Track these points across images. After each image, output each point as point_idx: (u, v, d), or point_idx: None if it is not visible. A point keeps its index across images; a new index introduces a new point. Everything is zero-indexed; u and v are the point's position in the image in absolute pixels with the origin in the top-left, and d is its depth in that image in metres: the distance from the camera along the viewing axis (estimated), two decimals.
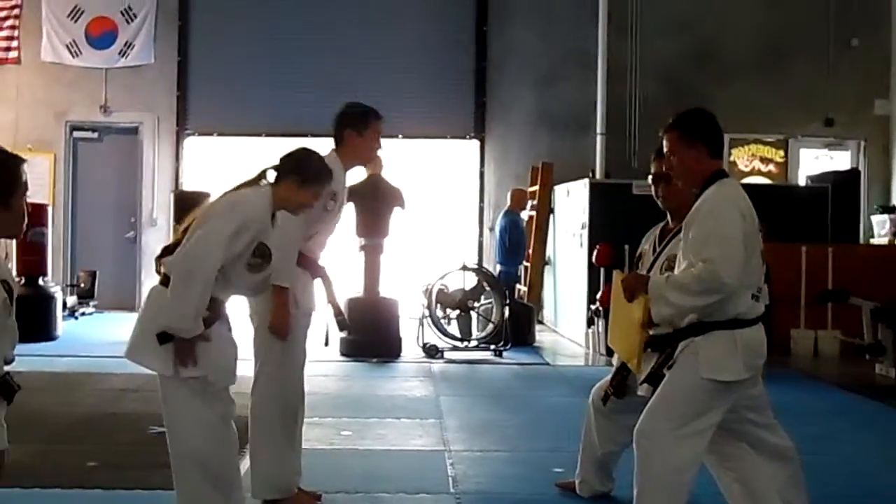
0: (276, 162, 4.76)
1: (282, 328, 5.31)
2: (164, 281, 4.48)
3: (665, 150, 4.67)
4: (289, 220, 4.94)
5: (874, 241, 15.29)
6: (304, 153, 4.84)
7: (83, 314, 14.97)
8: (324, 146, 5.27)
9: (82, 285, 15.59)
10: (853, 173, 15.61)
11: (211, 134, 16.53)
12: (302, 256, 5.39)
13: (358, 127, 5.66)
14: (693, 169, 4.56)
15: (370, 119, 5.72)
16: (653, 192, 5.42)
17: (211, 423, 4.52)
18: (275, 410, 5.44)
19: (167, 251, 4.58)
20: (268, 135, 16.19)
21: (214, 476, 4.54)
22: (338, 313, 5.73)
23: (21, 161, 3.49)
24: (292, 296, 5.34)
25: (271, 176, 4.72)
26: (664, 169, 4.83)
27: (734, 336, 4.36)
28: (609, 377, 5.45)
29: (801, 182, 16.16)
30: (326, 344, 5.77)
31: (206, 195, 13.65)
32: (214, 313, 4.51)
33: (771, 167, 17.01)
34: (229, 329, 4.66)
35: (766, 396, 4.80)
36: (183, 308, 4.33)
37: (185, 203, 13.71)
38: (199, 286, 4.33)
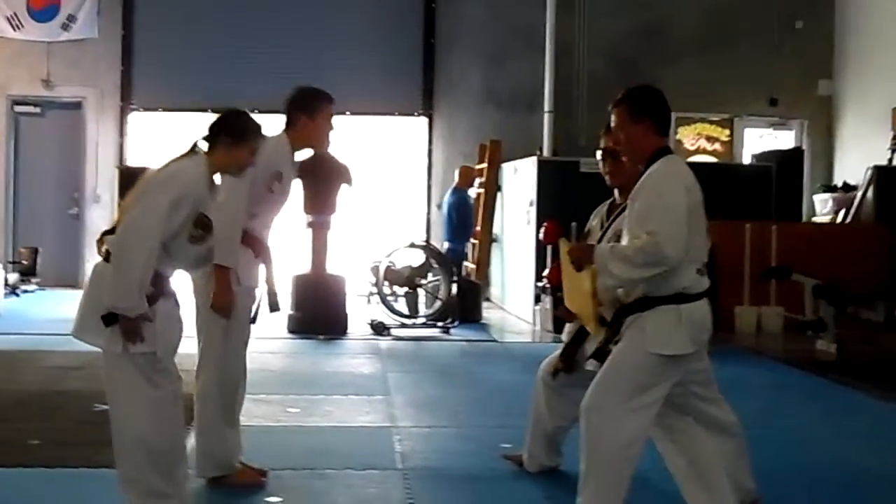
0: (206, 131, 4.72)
1: (225, 307, 5.28)
2: (108, 258, 4.44)
3: (612, 125, 4.69)
4: (232, 197, 4.91)
5: (816, 219, 15.48)
6: (230, 113, 4.83)
7: (25, 292, 14.78)
8: (270, 123, 5.23)
9: (24, 262, 15.39)
10: (797, 152, 15.80)
11: (156, 109, 16.36)
12: (246, 234, 5.35)
13: (309, 110, 5.63)
14: (639, 145, 4.58)
15: (322, 103, 5.68)
16: (601, 169, 5.45)
17: (156, 401, 4.48)
18: (218, 388, 5.42)
19: (110, 232, 4.54)
20: (213, 111, 15.75)
21: (158, 455, 4.50)
22: (272, 294, 5.68)
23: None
24: (234, 274, 5.30)
25: (204, 146, 4.68)
26: (611, 144, 4.84)
27: (679, 311, 4.39)
28: (558, 352, 5.47)
29: (746, 161, 16.32)
30: (253, 321, 5.72)
31: (150, 170, 13.60)
32: (159, 289, 4.47)
33: (716, 146, 17.16)
34: (176, 304, 4.62)
35: (712, 371, 4.85)
36: (125, 285, 4.29)
37: (130, 179, 13.42)
38: (140, 262, 4.29)
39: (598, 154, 5.44)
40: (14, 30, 15.90)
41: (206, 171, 4.60)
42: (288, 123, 5.63)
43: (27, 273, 15.23)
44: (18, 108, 16.31)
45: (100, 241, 4.60)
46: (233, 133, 4.70)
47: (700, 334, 4.49)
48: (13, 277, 14.65)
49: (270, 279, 5.67)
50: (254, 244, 5.47)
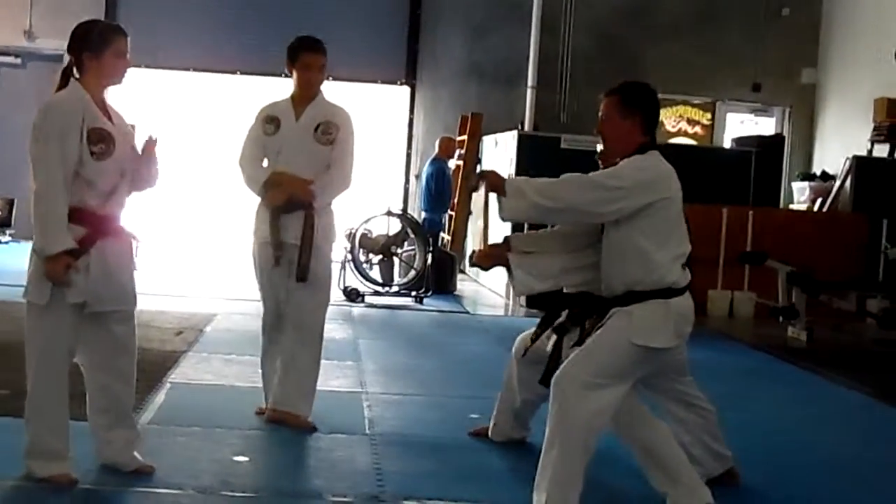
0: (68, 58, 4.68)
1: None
2: None
3: (601, 114, 4.66)
4: None
5: (793, 206, 15.53)
6: (78, 27, 4.73)
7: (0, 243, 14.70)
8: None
9: None
10: (778, 139, 15.83)
11: (139, 66, 16.12)
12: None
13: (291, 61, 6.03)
14: (624, 139, 4.57)
15: (300, 53, 6.03)
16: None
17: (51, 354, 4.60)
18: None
19: None
20: (196, 70, 15.99)
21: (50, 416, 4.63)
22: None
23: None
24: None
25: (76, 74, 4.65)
26: (595, 131, 4.80)
27: (668, 305, 4.41)
28: (531, 331, 5.46)
29: (726, 145, 16.35)
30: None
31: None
32: (93, 230, 4.53)
33: (697, 129, 17.19)
34: (126, 253, 4.68)
35: (686, 359, 4.96)
36: (39, 225, 4.43)
37: None
38: (47, 200, 4.42)
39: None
40: None
41: (82, 93, 4.57)
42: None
43: (2, 224, 15.14)
44: None
45: None
46: (90, 43, 4.63)
47: (685, 328, 4.51)
48: None
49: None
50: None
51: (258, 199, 6.03)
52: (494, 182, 4.61)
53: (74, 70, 4.63)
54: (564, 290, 4.98)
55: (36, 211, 4.45)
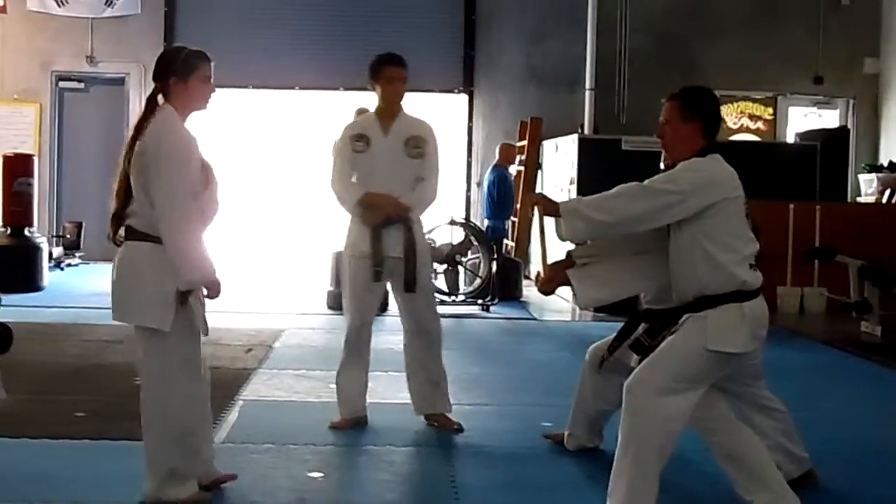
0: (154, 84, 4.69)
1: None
2: (132, 237, 4.56)
3: (662, 118, 4.63)
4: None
5: (861, 199, 15.32)
6: (164, 54, 4.80)
7: (69, 265, 14.92)
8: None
9: (68, 236, 15.53)
10: (842, 131, 15.62)
11: None
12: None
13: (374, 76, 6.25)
14: (685, 143, 4.55)
15: (383, 67, 6.25)
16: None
17: (187, 380, 4.63)
18: None
19: (117, 216, 4.61)
20: (255, 87, 16.12)
21: (183, 435, 4.63)
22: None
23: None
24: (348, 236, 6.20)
25: (160, 100, 4.66)
26: (656, 136, 4.77)
27: (742, 308, 4.36)
28: (608, 341, 5.42)
29: (790, 139, 16.16)
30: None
31: None
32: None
33: (759, 124, 17.01)
34: None
35: (761, 364, 4.95)
36: (196, 257, 4.52)
37: None
38: (195, 232, 4.52)
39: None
40: (59, 6, 15.99)
41: (177, 118, 4.60)
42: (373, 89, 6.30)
43: (71, 247, 15.36)
44: (63, 84, 16.43)
45: (115, 225, 4.64)
46: (177, 71, 4.65)
47: (760, 331, 4.47)
48: (57, 251, 14.79)
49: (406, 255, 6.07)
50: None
51: (351, 216, 6.24)
52: (547, 207, 4.62)
53: (159, 97, 4.65)
54: (639, 307, 4.98)
55: (184, 241, 4.47)
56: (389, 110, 6.23)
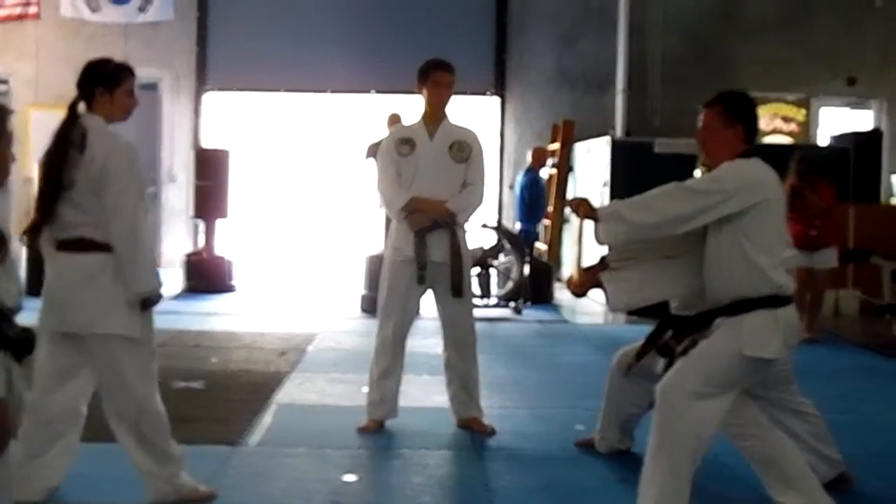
0: (76, 92, 4.70)
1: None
2: (73, 247, 4.55)
3: (700, 125, 4.63)
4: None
5: (895, 201, 15.21)
6: (90, 64, 4.77)
7: None
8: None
9: None
10: (875, 134, 15.51)
11: (231, 90, 16.48)
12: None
13: (422, 80, 6.30)
14: (726, 149, 4.53)
15: (430, 71, 6.30)
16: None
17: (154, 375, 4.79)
18: None
19: (35, 228, 4.59)
20: (287, 90, 16.19)
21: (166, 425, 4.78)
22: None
23: (7, 112, 3.51)
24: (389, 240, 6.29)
25: (83, 107, 4.68)
26: (697, 143, 4.76)
27: (776, 314, 4.35)
28: (634, 346, 5.42)
29: (823, 141, 16.06)
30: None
31: (226, 152, 13.76)
32: None
33: (792, 126, 16.88)
34: None
35: (792, 369, 4.96)
36: (149, 267, 4.61)
37: (205, 159, 13.76)
38: (148, 241, 4.69)
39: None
40: (92, 12, 16.07)
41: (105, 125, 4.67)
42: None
43: None
44: None
45: (33, 235, 4.60)
46: (104, 81, 4.68)
47: (792, 338, 4.47)
48: None
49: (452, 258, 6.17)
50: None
51: (394, 220, 6.31)
52: (587, 211, 4.60)
53: (81, 106, 4.67)
54: (670, 310, 4.98)
55: (140, 249, 4.56)
56: (435, 115, 6.28)
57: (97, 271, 4.52)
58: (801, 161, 9.76)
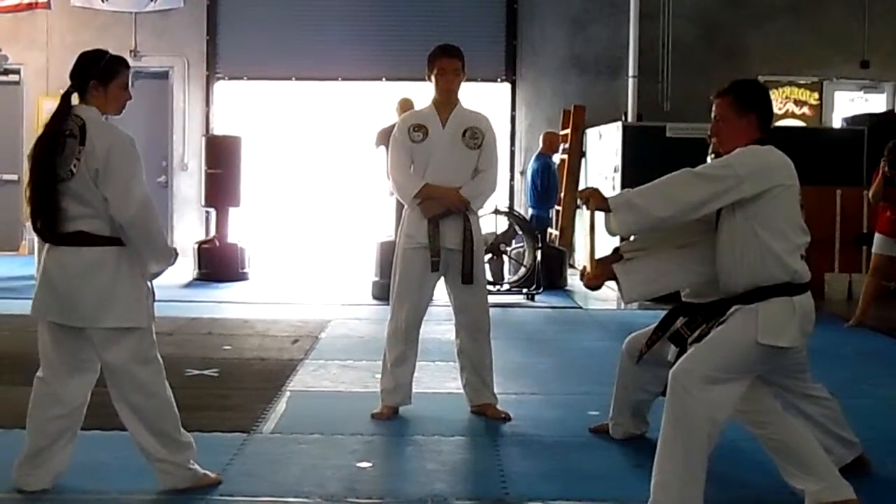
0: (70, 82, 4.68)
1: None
2: (72, 241, 4.53)
3: (714, 114, 4.60)
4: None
5: None
6: (84, 55, 4.74)
7: None
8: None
9: None
10: (890, 116, 15.42)
11: (241, 78, 16.49)
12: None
13: (430, 68, 6.29)
14: (740, 138, 4.50)
15: (436, 59, 6.29)
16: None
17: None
18: None
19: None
20: (298, 78, 16.18)
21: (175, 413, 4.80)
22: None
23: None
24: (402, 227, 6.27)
25: (75, 99, 4.65)
26: (709, 133, 4.73)
27: (792, 303, 4.32)
28: (644, 332, 5.39)
29: (836, 125, 15.99)
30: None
31: (237, 139, 13.75)
32: None
33: (805, 110, 16.82)
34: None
35: (807, 357, 4.95)
36: (164, 249, 4.75)
37: (216, 147, 13.75)
38: (160, 226, 4.81)
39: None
40: (102, 1, 16.09)
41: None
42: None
43: None
44: None
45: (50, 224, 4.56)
46: (98, 74, 4.64)
47: (808, 326, 4.44)
48: None
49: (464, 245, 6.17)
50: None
51: (407, 206, 6.29)
52: (598, 202, 4.55)
53: (74, 97, 4.64)
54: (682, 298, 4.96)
55: (154, 233, 4.64)
56: (446, 101, 6.26)
57: (97, 265, 4.52)
58: (893, 149, 9.68)
